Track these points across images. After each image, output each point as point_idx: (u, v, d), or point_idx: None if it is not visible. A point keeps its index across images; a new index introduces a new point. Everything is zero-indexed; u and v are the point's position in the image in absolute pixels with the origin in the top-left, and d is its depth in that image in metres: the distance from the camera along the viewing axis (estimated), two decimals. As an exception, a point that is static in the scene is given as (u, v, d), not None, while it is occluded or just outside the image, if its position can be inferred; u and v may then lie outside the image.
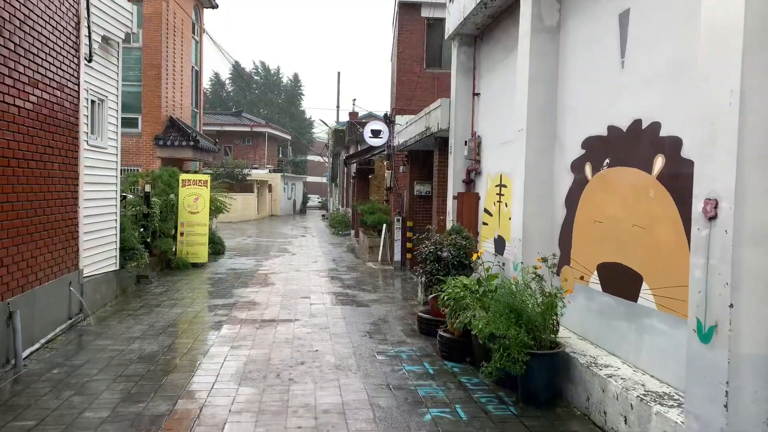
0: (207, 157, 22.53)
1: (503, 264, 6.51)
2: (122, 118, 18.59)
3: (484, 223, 8.94)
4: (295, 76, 65.04)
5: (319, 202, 58.50)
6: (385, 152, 17.20)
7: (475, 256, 6.65)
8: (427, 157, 14.08)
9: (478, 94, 9.41)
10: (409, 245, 14.47)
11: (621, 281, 5.11)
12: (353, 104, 35.74)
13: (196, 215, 14.24)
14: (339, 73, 63.12)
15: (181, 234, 14.05)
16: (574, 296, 5.87)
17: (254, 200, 37.30)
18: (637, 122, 4.92)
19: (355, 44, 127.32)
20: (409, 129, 13.50)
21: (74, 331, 7.53)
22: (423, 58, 16.35)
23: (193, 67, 22.97)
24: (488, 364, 5.23)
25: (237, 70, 47.42)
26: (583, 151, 5.87)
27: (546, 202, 6.47)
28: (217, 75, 61.52)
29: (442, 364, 6.42)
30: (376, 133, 16.36)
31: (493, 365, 5.13)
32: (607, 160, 5.40)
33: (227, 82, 61.86)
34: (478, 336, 5.59)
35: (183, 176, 14.49)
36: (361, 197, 23.70)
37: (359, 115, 32.90)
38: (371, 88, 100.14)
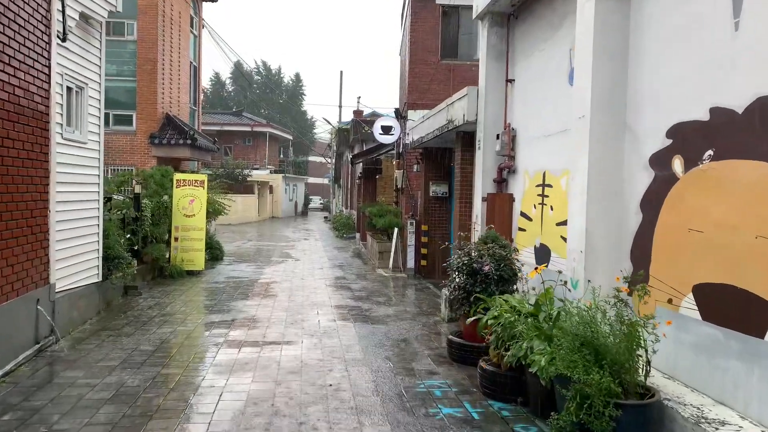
0: (206, 156, 21.34)
1: (566, 282, 5.31)
2: (116, 115, 17.76)
3: (521, 229, 7.74)
4: (297, 75, 64.74)
5: (321, 203, 57.25)
6: (395, 150, 16.01)
7: (533, 273, 5.45)
8: (444, 154, 12.89)
9: (512, 81, 8.21)
10: (423, 251, 13.28)
11: (735, 309, 3.92)
12: (358, 102, 34.71)
13: (191, 218, 13.02)
14: (341, 71, 61.65)
15: (176, 239, 12.84)
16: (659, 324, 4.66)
17: (255, 202, 36.30)
18: (762, 100, 3.72)
19: (358, 42, 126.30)
20: (425, 124, 12.28)
21: (42, 358, 6.34)
22: (438, 48, 15.15)
23: (191, 62, 21.79)
24: (559, 416, 4.05)
25: (237, 67, 46.19)
26: (669, 142, 4.67)
27: (614, 205, 5.28)
28: (217, 74, 60.70)
29: (487, 405, 5.21)
30: (386, 130, 15.16)
31: (567, 418, 3.96)
32: (710, 152, 4.20)
33: (227, 81, 60.93)
34: (539, 375, 4.40)
35: (177, 176, 13.24)
36: (367, 198, 22.49)
37: (363, 113, 31.73)
38: (375, 87, 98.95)
